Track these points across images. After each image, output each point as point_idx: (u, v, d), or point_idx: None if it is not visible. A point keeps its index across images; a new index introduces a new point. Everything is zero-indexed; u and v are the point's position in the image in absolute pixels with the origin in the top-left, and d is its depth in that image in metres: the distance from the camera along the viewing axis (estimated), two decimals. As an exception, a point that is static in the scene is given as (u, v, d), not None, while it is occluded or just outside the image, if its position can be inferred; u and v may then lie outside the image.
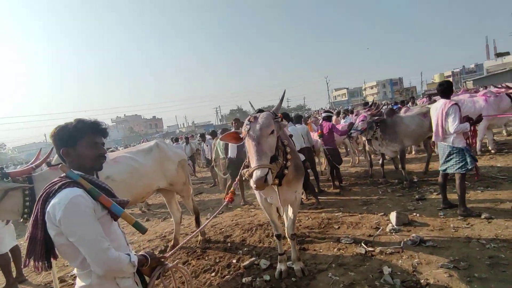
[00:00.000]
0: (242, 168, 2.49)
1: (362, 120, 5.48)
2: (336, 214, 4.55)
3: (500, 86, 6.76)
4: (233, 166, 5.77)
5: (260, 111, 2.41)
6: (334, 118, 8.83)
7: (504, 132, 8.57)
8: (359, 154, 8.44)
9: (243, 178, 2.34)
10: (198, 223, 4.42)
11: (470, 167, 3.46)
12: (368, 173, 6.52)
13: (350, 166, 8.01)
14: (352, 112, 11.61)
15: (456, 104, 3.49)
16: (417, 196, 4.63)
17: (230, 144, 5.86)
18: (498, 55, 39.85)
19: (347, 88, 70.66)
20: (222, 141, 2.46)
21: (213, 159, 7.34)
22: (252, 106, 2.67)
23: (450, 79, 54.73)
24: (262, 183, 2.00)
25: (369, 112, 5.68)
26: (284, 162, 2.36)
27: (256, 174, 2.01)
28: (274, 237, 3.11)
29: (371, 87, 66.50)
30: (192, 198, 4.40)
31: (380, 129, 5.48)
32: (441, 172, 3.86)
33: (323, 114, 6.39)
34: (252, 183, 2.07)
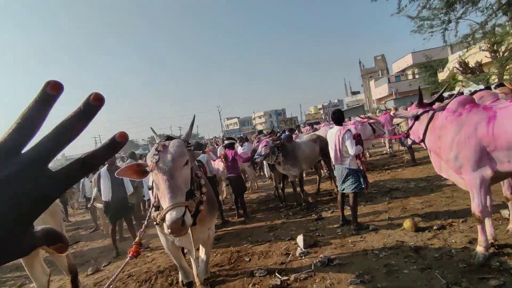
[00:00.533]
0: (150, 209, 2.02)
1: (265, 145, 5.71)
2: (245, 245, 4.40)
3: (363, 116, 8.47)
4: (112, 210, 5.00)
5: (169, 138, 2.07)
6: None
7: (387, 150, 10.37)
8: (257, 180, 8.79)
9: (155, 222, 1.89)
10: (75, 285, 3.39)
11: (363, 186, 4.00)
12: (270, 197, 6.76)
13: (250, 192, 8.19)
14: (247, 140, 12.30)
15: (349, 130, 4.06)
16: (315, 216, 5.03)
17: (102, 182, 5.03)
18: (353, 93, 51.79)
19: (238, 118, 75.38)
20: (119, 176, 1.94)
21: (93, 197, 6.09)
22: (154, 132, 2.28)
23: (321, 111, 66.15)
24: (179, 227, 1.64)
25: (270, 138, 6.01)
26: (201, 197, 2.05)
27: (171, 216, 1.65)
28: (183, 286, 2.65)
29: (260, 117, 73.21)
30: (67, 253, 3.38)
31: (282, 153, 5.84)
32: (339, 192, 4.33)
33: (226, 142, 6.36)
34: (166, 228, 1.67)
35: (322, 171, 7.38)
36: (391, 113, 9.01)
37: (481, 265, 2.71)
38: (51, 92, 0.32)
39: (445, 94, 5.33)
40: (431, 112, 3.15)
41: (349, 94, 55.47)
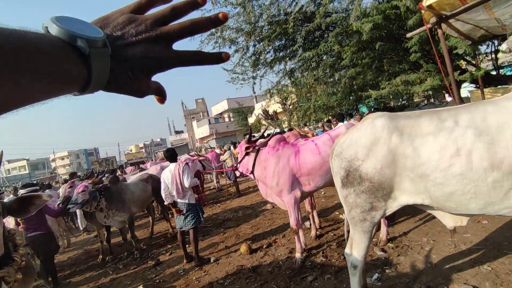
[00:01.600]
0: None
1: (83, 191, 4.85)
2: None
3: (193, 154, 9.04)
4: None
5: None
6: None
7: (215, 185, 11.02)
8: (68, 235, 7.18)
9: None
10: None
11: (202, 220, 4.20)
12: (99, 251, 5.66)
13: (62, 249, 6.53)
14: (50, 186, 9.97)
15: (187, 164, 4.22)
16: (153, 263, 4.70)
17: None
18: (176, 132, 53.78)
19: (28, 159, 59.53)
20: None
21: None
22: None
23: (143, 150, 63.61)
24: None
25: (90, 181, 5.18)
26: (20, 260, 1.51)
27: None
28: None
29: (62, 158, 60.95)
30: None
31: (105, 198, 5.14)
32: (179, 230, 4.31)
33: (22, 191, 4.86)
34: None
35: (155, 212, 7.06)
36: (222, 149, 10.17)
37: (300, 267, 3.50)
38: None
39: (256, 134, 6.78)
40: (256, 148, 3.93)
41: (172, 133, 57.22)
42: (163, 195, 4.27)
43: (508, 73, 8.90)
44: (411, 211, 4.35)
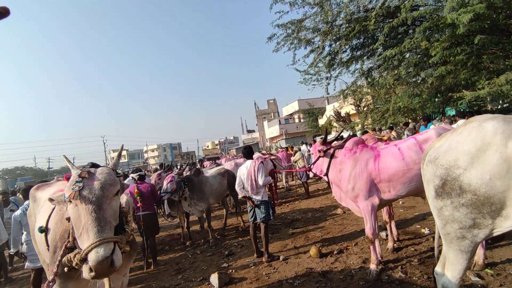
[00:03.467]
0: (62, 251, 1.58)
1: (171, 181, 5.38)
2: (149, 294, 3.86)
3: (265, 152, 9.20)
4: None
5: (95, 165, 1.76)
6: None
7: (284, 184, 11.19)
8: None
9: (66, 268, 1.47)
10: None
11: (271, 217, 4.22)
12: (180, 236, 6.26)
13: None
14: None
15: (262, 162, 4.30)
16: (226, 252, 4.92)
17: None
18: (248, 131, 55.89)
19: (127, 150, 69.11)
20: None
21: None
22: (68, 160, 1.86)
23: (218, 146, 67.76)
24: (106, 268, 1.35)
25: (176, 172, 5.71)
26: (130, 233, 1.75)
27: (98, 254, 1.35)
28: None
29: (152, 150, 69.07)
30: None
31: (188, 188, 5.60)
32: (251, 224, 4.42)
33: (132, 175, 5.67)
34: (87, 271, 1.33)
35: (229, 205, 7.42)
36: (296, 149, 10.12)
37: (375, 280, 3.21)
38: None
39: (331, 136, 6.49)
40: (332, 150, 3.75)
41: (245, 132, 59.54)
42: (237, 189, 4.43)
43: None
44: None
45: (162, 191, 5.30)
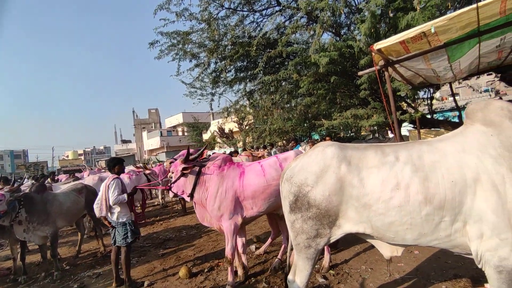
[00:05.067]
0: None
1: (0, 200, 4.21)
2: None
3: (138, 166, 8.52)
4: None
5: None
6: None
7: (159, 201, 10.41)
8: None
9: None
10: None
11: (130, 240, 3.80)
12: (10, 271, 4.84)
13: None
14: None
15: (117, 178, 3.87)
16: (75, 286, 4.17)
17: None
18: (123, 141, 50.63)
19: None
20: None
21: None
22: None
23: (83, 157, 58.62)
24: None
25: (7, 189, 4.53)
26: None
27: None
28: None
29: (-19, 158, 53.27)
30: None
31: (26, 209, 4.50)
32: (113, 247, 3.90)
33: None
34: None
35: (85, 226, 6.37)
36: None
37: (240, 295, 3.37)
38: None
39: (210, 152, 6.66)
40: (197, 168, 3.62)
41: (119, 141, 53.70)
42: (94, 207, 3.89)
43: (440, 118, 10.16)
44: (353, 239, 4.55)
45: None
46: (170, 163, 5.12)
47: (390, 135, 11.16)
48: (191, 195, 3.57)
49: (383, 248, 2.20)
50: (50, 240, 4.78)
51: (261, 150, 10.27)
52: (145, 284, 3.94)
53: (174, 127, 41.67)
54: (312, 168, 2.13)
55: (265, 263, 4.23)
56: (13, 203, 4.36)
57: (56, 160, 51.01)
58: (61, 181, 9.89)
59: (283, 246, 4.19)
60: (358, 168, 2.03)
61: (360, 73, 5.76)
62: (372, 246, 4.23)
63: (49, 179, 10.78)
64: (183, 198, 8.44)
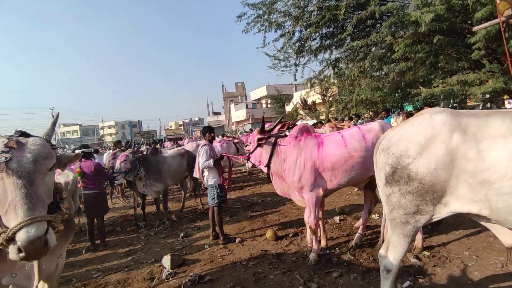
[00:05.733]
0: None
1: (125, 160, 5.10)
2: (95, 276, 3.68)
3: (229, 135, 9.13)
4: None
5: (24, 134, 1.55)
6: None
7: (246, 169, 11.15)
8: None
9: None
10: None
11: (217, 202, 4.16)
12: (133, 217, 5.98)
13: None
14: (97, 152, 10.55)
15: (205, 145, 4.22)
16: (182, 234, 4.85)
17: None
18: (214, 113, 55.02)
19: (80, 125, 64.53)
20: None
21: None
22: None
23: (182, 127, 66.00)
24: (40, 248, 1.23)
25: (130, 151, 5.42)
26: (65, 211, 1.60)
27: (28, 233, 1.22)
28: None
29: (109, 127, 65.26)
30: None
31: (144, 168, 5.37)
32: (210, 206, 4.38)
33: (77, 151, 5.23)
34: (14, 252, 1.20)
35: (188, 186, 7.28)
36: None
37: (326, 261, 3.37)
38: None
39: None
40: (273, 139, 3.55)
41: (210, 113, 58.41)
42: (195, 170, 4.37)
43: None
44: (454, 221, 3.98)
45: (115, 170, 5.02)
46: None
47: (508, 105, 9.00)
48: (268, 166, 3.56)
49: (504, 234, 1.84)
50: (162, 194, 5.65)
51: (347, 121, 9.67)
52: (237, 240, 4.31)
53: (259, 99, 42.77)
54: (415, 137, 1.86)
55: (350, 235, 4.10)
56: (135, 163, 5.24)
57: (162, 129, 59.15)
58: (167, 147, 11.39)
59: (361, 221, 3.96)
60: (476, 139, 1.68)
61: (475, 28, 4.72)
62: (477, 232, 3.69)
63: (158, 145, 12.60)
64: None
